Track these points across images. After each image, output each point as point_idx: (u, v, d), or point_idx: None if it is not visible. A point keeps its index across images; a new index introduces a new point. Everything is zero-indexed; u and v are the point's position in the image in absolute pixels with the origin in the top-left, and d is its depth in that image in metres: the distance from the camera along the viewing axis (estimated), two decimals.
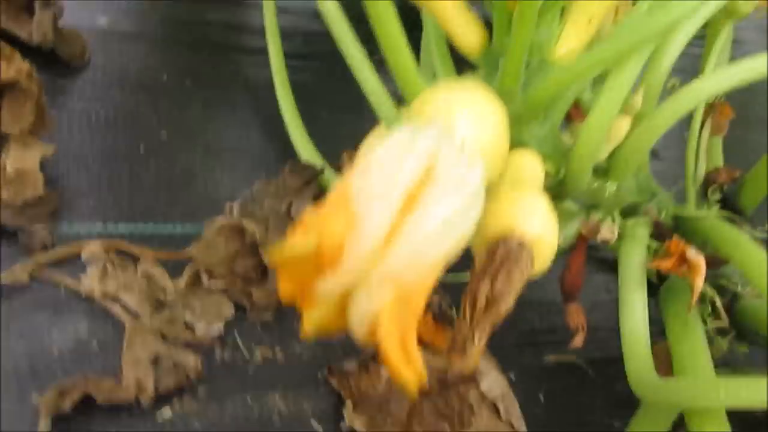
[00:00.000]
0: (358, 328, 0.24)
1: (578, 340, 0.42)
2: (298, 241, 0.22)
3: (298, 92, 0.64)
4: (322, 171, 0.54)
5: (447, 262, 0.26)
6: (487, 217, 0.30)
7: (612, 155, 0.45)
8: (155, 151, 0.55)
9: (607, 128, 0.39)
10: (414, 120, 0.28)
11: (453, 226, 0.24)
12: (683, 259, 0.43)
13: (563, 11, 0.39)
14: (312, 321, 0.24)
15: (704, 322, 0.52)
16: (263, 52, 0.62)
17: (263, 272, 0.49)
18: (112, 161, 0.53)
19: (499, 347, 0.54)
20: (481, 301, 0.28)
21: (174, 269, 0.47)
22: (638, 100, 0.43)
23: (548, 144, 0.41)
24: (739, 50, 1.08)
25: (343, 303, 0.24)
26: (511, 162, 0.35)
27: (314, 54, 0.70)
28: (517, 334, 0.54)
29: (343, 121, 0.67)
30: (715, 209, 0.50)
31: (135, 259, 0.47)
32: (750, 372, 0.49)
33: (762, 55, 0.41)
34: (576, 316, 0.43)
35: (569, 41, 0.38)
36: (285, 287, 0.24)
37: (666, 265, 0.43)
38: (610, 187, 0.43)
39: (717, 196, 0.51)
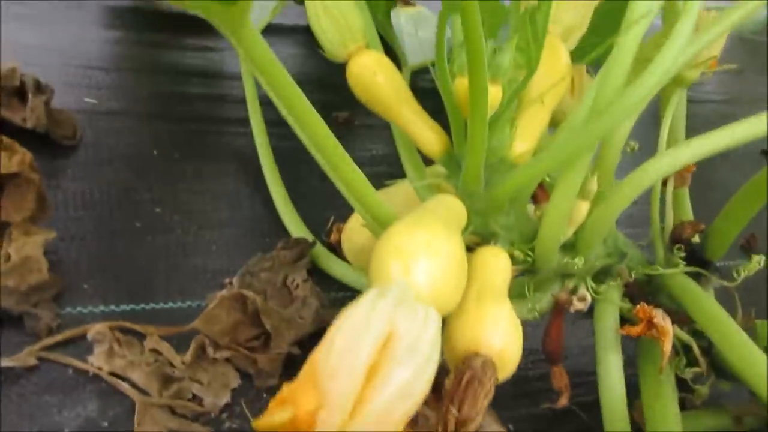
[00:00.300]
0: None
1: (563, 401, 0.45)
2: (276, 414, 0.24)
3: (286, 158, 0.67)
4: (313, 244, 0.57)
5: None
6: (454, 333, 0.32)
7: (577, 233, 0.46)
8: (151, 227, 0.57)
9: (565, 218, 0.41)
10: (373, 282, 0.29)
11: (411, 387, 0.25)
12: (651, 324, 0.45)
13: (515, 115, 0.42)
14: None
15: (687, 365, 0.54)
16: (248, 121, 0.65)
17: (266, 339, 0.51)
18: (110, 240, 0.54)
19: (495, 399, 0.56)
20: (451, 425, 0.31)
21: (179, 344, 0.48)
22: (594, 183, 0.43)
23: (515, 231, 0.43)
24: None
25: None
26: (477, 264, 0.37)
27: None
28: (512, 384, 0.56)
29: (332, 188, 0.69)
30: (681, 266, 0.50)
31: (141, 337, 0.48)
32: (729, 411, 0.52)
33: (713, 132, 0.44)
34: (560, 378, 0.45)
35: (523, 142, 0.41)
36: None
37: (635, 331, 0.45)
38: (579, 261, 0.45)
39: (681, 253, 0.51)
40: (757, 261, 0.49)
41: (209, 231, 0.59)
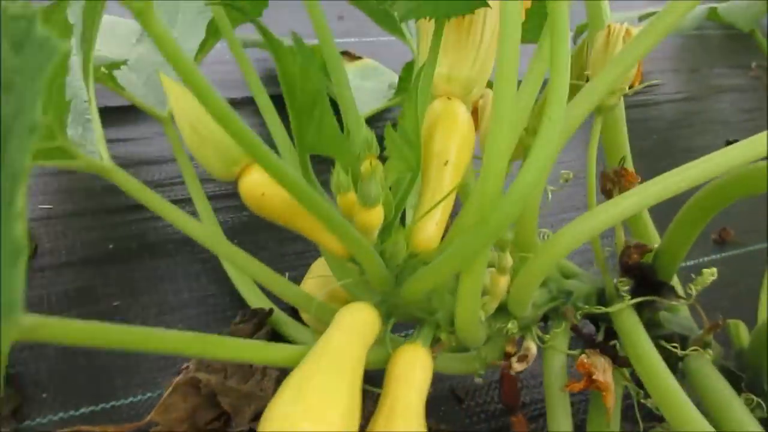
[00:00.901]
0: None
1: None
2: None
3: (243, 229, 0.68)
4: (270, 312, 0.57)
5: None
6: None
7: (505, 302, 0.44)
8: (109, 322, 0.57)
9: (476, 310, 0.40)
10: None
11: None
12: (591, 380, 0.44)
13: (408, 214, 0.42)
14: None
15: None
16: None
17: (226, 420, 0.51)
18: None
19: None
20: None
21: None
22: (508, 260, 0.40)
23: (440, 313, 0.42)
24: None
25: None
26: (395, 372, 0.37)
27: None
28: (487, 417, 0.55)
29: (292, 248, 0.70)
30: (627, 300, 0.47)
31: None
32: None
33: (623, 196, 0.41)
34: (519, 425, 0.45)
35: (426, 232, 0.40)
36: None
37: (577, 387, 0.44)
38: (512, 326, 0.44)
39: (627, 287, 0.48)
40: (710, 273, 0.48)
41: (169, 315, 0.60)
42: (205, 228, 0.58)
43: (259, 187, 0.38)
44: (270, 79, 0.82)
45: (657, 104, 1.10)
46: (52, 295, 0.59)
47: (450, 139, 0.39)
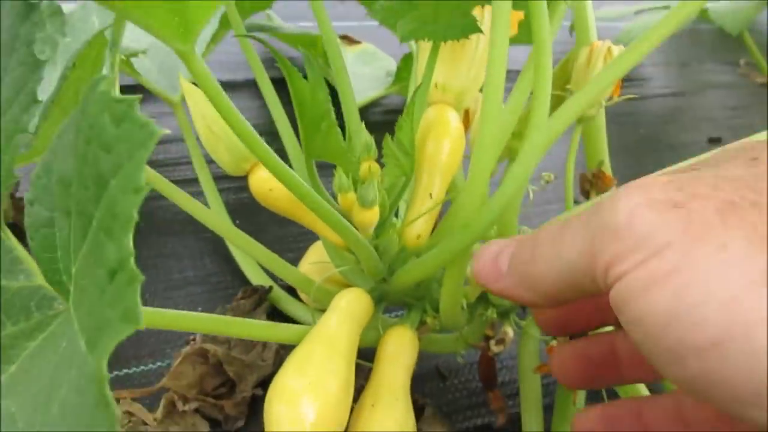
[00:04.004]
0: None
1: (501, 419, 0.49)
2: None
3: (243, 211, 0.71)
4: (270, 290, 0.61)
5: None
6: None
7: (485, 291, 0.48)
8: None
9: (460, 297, 0.44)
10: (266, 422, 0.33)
11: None
12: None
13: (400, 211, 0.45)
14: None
15: None
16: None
17: (231, 386, 0.55)
18: None
19: (453, 411, 0.60)
20: None
21: (152, 401, 0.53)
22: None
23: (427, 300, 0.47)
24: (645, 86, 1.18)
25: None
26: (383, 354, 0.41)
27: None
28: (468, 394, 0.60)
29: (291, 230, 0.74)
30: None
31: (115, 401, 0.52)
32: None
33: None
34: (496, 401, 0.49)
35: (416, 230, 0.43)
36: None
37: (546, 369, 0.47)
38: (491, 312, 0.47)
39: None
40: None
41: (175, 291, 0.64)
42: (210, 212, 0.62)
43: (266, 183, 0.42)
44: (269, 62, 0.86)
45: (645, 99, 1.13)
46: None
47: (441, 144, 0.43)
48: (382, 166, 0.42)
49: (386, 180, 0.40)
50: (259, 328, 0.39)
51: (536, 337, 0.50)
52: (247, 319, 0.39)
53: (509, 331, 0.47)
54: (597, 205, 0.25)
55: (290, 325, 0.42)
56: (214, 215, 0.65)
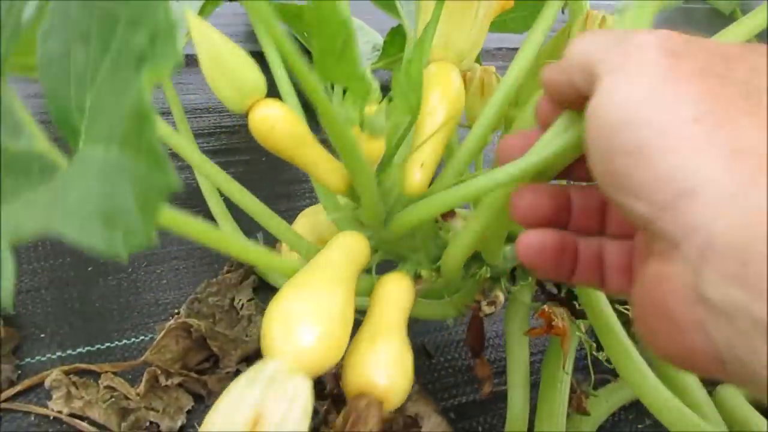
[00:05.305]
0: None
1: (486, 388, 0.48)
2: None
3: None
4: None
5: None
6: (345, 372, 0.35)
7: (482, 245, 0.47)
8: (102, 270, 0.60)
9: (473, 246, 0.42)
10: (262, 343, 0.32)
11: None
12: (551, 326, 0.47)
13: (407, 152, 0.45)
14: None
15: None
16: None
17: (215, 361, 0.55)
18: (63, 287, 0.58)
19: (439, 389, 0.60)
20: None
21: (135, 376, 0.52)
22: None
23: (422, 252, 0.46)
24: None
25: None
26: (379, 294, 0.40)
27: (238, 150, 0.76)
28: (454, 372, 0.60)
29: (278, 207, 0.72)
30: None
31: (96, 376, 0.52)
32: None
33: None
34: (482, 368, 0.49)
35: (417, 177, 0.43)
36: None
37: (536, 332, 0.48)
38: (484, 272, 0.47)
39: None
40: None
41: (159, 266, 0.63)
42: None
43: (269, 120, 0.41)
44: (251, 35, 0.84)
45: None
46: (46, 244, 0.62)
47: (444, 97, 0.43)
48: None
49: (392, 117, 0.39)
50: (259, 255, 0.38)
51: (526, 303, 0.50)
52: (256, 246, 0.37)
53: (500, 295, 0.47)
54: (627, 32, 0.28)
55: (291, 257, 0.40)
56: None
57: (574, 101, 0.30)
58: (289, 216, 0.73)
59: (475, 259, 0.47)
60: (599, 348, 0.49)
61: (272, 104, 0.43)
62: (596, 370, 0.52)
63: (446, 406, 0.56)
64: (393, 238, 0.43)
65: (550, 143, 0.31)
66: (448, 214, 0.48)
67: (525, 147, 0.33)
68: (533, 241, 0.34)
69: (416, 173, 0.42)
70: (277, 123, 0.43)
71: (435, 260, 0.45)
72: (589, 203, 0.34)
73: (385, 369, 0.35)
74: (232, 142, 0.78)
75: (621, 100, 0.25)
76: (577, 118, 0.30)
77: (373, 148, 0.40)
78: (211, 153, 0.75)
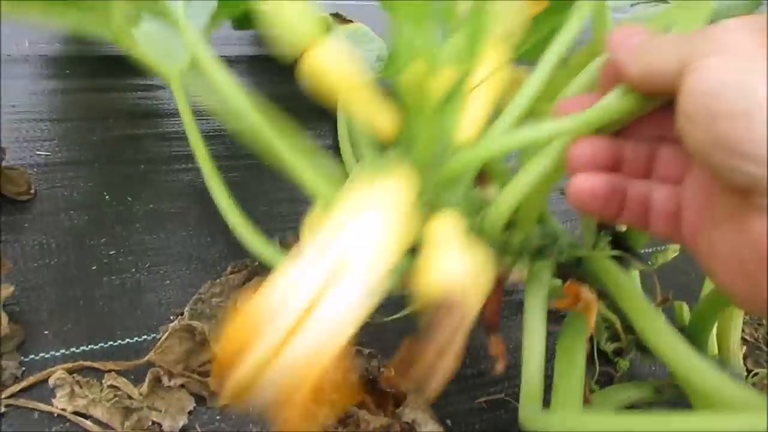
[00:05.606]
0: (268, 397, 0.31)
1: (500, 366, 0.49)
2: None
3: (233, 190, 0.70)
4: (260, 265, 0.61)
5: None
6: (419, 281, 0.37)
7: (516, 212, 0.48)
8: (106, 269, 0.61)
9: (517, 201, 0.44)
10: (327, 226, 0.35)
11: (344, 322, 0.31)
12: (578, 299, 0.50)
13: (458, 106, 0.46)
14: (228, 394, 0.32)
15: (610, 340, 0.59)
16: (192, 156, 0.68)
17: None
18: (67, 286, 0.58)
19: (438, 396, 0.61)
20: (431, 356, 0.36)
21: (137, 376, 0.53)
22: None
23: (463, 204, 0.47)
24: None
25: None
26: (433, 227, 0.41)
27: (242, 154, 0.76)
28: (456, 380, 0.61)
29: (280, 211, 0.73)
30: (606, 251, 0.53)
31: (100, 374, 0.52)
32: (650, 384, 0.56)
33: None
34: (496, 346, 0.50)
35: (466, 129, 0.44)
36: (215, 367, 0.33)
37: (563, 304, 0.50)
38: (518, 236, 0.48)
39: (607, 238, 0.54)
40: (673, 251, 0.54)
41: (163, 267, 0.63)
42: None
43: (324, 62, 0.42)
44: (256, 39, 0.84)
45: None
46: (50, 242, 0.62)
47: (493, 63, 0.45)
48: None
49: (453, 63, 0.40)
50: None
51: (545, 283, 0.50)
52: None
53: (523, 270, 0.48)
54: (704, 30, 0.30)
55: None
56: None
57: (658, 86, 0.31)
58: (290, 221, 0.74)
59: (510, 226, 0.49)
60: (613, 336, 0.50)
61: (327, 46, 0.43)
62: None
63: (444, 414, 0.57)
64: (436, 187, 0.44)
65: (614, 102, 0.34)
66: (484, 180, 0.49)
67: (583, 107, 0.36)
68: (584, 184, 0.36)
69: (464, 125, 0.44)
70: (332, 66, 0.44)
71: (471, 215, 0.47)
72: (639, 155, 0.36)
73: (459, 272, 0.37)
74: (234, 146, 0.78)
75: (723, 70, 0.27)
76: None
77: (443, 79, 0.41)
78: (215, 158, 0.76)
